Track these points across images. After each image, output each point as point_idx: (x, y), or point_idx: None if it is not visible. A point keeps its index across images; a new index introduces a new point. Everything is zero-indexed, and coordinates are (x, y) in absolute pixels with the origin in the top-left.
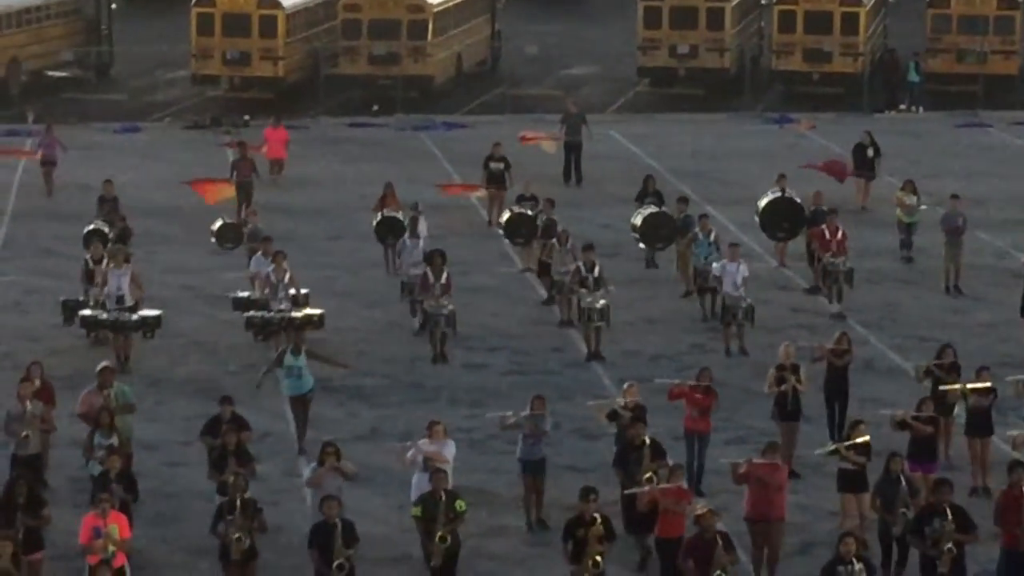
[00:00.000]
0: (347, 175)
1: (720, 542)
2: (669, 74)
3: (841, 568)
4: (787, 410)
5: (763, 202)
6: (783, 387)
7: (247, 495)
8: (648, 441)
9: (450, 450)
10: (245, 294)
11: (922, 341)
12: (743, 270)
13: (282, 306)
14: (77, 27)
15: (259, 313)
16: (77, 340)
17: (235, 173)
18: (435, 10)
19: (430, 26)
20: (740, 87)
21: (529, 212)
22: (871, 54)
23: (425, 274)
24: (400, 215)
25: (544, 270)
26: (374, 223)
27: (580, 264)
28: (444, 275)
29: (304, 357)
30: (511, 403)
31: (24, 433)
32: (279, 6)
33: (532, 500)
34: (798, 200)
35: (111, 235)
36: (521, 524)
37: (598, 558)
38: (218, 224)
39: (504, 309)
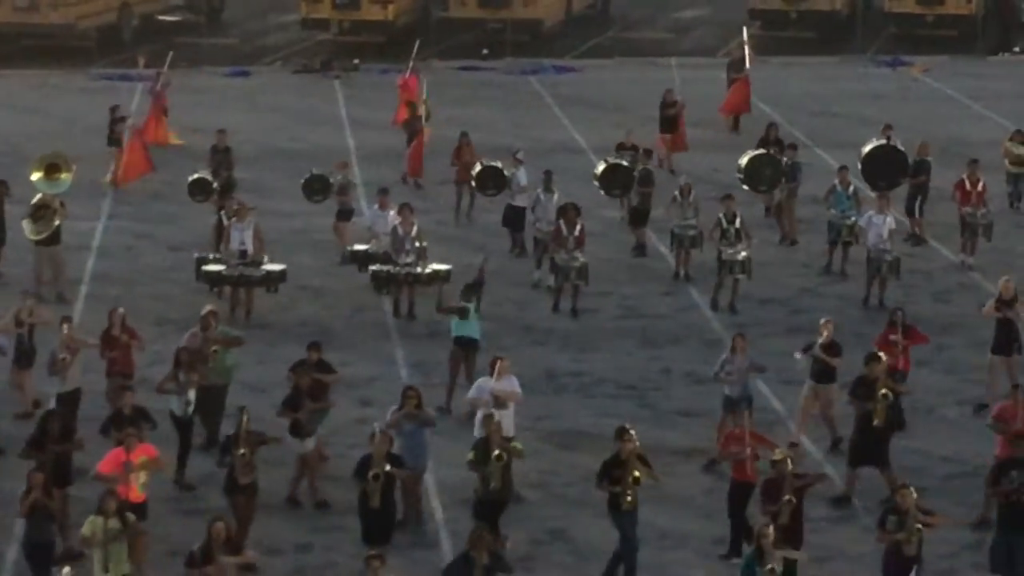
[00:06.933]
0: (456, 119)
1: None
2: (781, 17)
3: None
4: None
5: (866, 149)
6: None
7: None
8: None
9: (515, 383)
10: (363, 247)
11: None
12: (889, 221)
13: (408, 260)
14: None
15: (385, 267)
16: (187, 284)
17: None
18: None
19: None
20: (852, 30)
21: (624, 162)
22: None
23: (558, 226)
24: (500, 164)
25: (637, 219)
26: (474, 172)
27: (720, 215)
28: (577, 228)
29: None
30: (619, 348)
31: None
32: None
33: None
34: (902, 149)
35: (215, 185)
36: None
37: (637, 474)
38: (306, 176)
39: (611, 254)
